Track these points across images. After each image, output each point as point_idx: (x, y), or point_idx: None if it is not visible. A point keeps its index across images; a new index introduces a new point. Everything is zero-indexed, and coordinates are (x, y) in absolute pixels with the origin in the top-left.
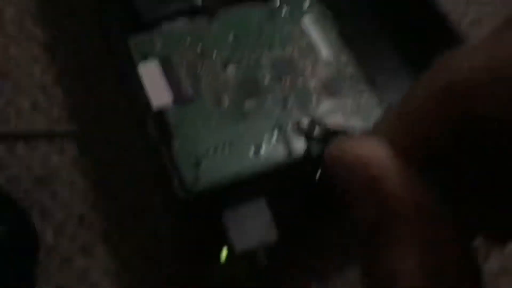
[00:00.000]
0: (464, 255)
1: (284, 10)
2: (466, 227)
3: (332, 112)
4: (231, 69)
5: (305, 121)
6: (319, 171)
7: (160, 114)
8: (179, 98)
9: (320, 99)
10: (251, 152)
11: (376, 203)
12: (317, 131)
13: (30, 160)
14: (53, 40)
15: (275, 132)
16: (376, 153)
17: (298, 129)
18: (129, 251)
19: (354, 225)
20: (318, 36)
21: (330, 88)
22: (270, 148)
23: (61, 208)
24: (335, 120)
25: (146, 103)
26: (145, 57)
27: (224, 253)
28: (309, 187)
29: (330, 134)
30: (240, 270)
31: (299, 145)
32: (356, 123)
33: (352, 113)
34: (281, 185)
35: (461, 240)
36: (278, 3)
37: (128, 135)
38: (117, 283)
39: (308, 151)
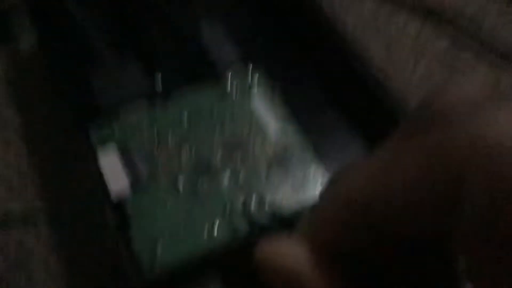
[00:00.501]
0: None
1: (233, 87)
2: None
3: (282, 186)
4: (185, 150)
5: (251, 203)
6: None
7: (119, 204)
8: (137, 185)
9: (270, 174)
10: (205, 232)
11: None
12: (263, 215)
13: (5, 245)
14: (26, 124)
15: (227, 211)
16: (294, 257)
17: (244, 211)
18: None
19: None
20: (266, 112)
21: (279, 162)
22: (223, 227)
23: None
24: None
25: (104, 190)
26: (103, 142)
27: None
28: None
29: (275, 219)
30: None
31: (246, 225)
32: (304, 194)
33: (300, 185)
34: (233, 262)
35: None
36: (227, 81)
37: (98, 213)
38: None
39: (252, 233)
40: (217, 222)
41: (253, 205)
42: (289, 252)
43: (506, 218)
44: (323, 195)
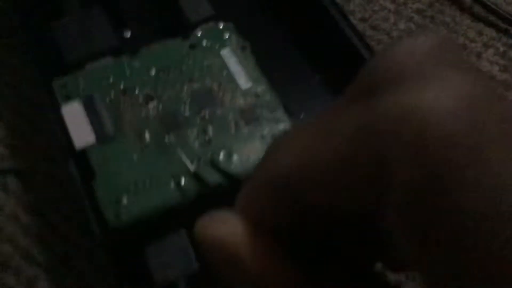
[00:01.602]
0: None
1: (203, 44)
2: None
3: (250, 140)
4: (152, 104)
5: (219, 158)
6: None
7: (82, 154)
8: (102, 137)
9: (239, 128)
10: (172, 185)
11: (242, 281)
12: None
13: None
14: None
15: (194, 164)
16: (234, 232)
17: (212, 166)
18: (73, 285)
19: None
20: (236, 67)
21: (248, 118)
22: (190, 180)
23: (5, 242)
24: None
25: (69, 144)
26: (68, 98)
27: None
28: None
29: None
30: None
31: (216, 178)
32: None
33: (269, 142)
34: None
35: None
36: (198, 37)
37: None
38: None
39: (221, 184)
40: (183, 176)
41: (221, 161)
42: (227, 225)
43: (430, 198)
44: (258, 166)
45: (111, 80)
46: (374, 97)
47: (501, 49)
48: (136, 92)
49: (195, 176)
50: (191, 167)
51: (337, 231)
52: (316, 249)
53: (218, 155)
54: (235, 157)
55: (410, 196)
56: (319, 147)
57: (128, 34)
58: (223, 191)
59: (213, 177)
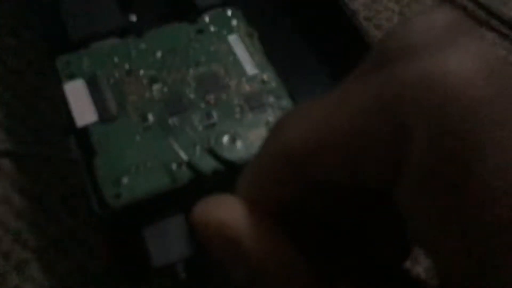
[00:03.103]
0: None
1: (211, 29)
2: (324, 275)
3: (255, 127)
4: (157, 87)
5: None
6: None
7: (83, 131)
8: (104, 116)
9: (244, 114)
10: (173, 168)
11: (242, 266)
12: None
13: None
14: None
15: (197, 148)
16: (235, 216)
17: (211, 152)
18: (65, 268)
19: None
20: (243, 53)
21: (254, 103)
22: (191, 165)
23: None
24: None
25: (70, 122)
26: (71, 76)
27: None
28: None
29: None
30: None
31: (215, 165)
32: None
33: None
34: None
35: (325, 285)
36: (205, 22)
37: (63, 152)
38: None
39: (218, 171)
40: (186, 160)
41: (224, 145)
42: (227, 208)
43: (452, 162)
44: (263, 144)
45: (116, 60)
46: (392, 66)
47: (503, 53)
48: (141, 73)
49: (189, 166)
50: (184, 157)
51: (347, 210)
52: (322, 232)
53: (222, 139)
54: (238, 143)
55: (431, 166)
56: (331, 118)
57: (134, 18)
58: (223, 177)
59: (208, 166)
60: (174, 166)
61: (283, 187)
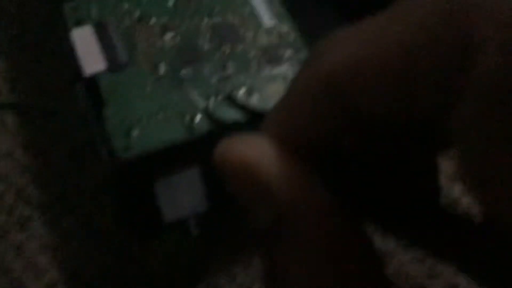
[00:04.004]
0: (362, 241)
1: None
2: (355, 216)
3: (272, 81)
4: (169, 35)
5: (237, 96)
6: None
7: (91, 80)
8: (114, 65)
9: (260, 67)
10: (186, 120)
11: (268, 206)
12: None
13: None
14: None
15: (212, 100)
16: (262, 154)
17: (230, 99)
18: (70, 225)
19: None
20: (260, 3)
21: (271, 56)
22: (205, 117)
23: None
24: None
25: (78, 69)
26: (79, 22)
27: None
28: None
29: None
30: (173, 241)
31: (233, 114)
32: None
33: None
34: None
35: (355, 228)
36: None
37: (70, 106)
38: (56, 257)
39: (239, 121)
40: (199, 112)
41: (239, 99)
42: (253, 146)
43: None
44: (295, 77)
45: (126, 6)
46: None
47: None
48: (153, 21)
49: (206, 114)
50: (202, 104)
51: (383, 147)
52: (354, 172)
53: (237, 92)
54: (255, 96)
55: (499, 90)
56: (383, 38)
57: None
58: (240, 128)
59: (227, 115)
60: (187, 117)
61: (319, 121)
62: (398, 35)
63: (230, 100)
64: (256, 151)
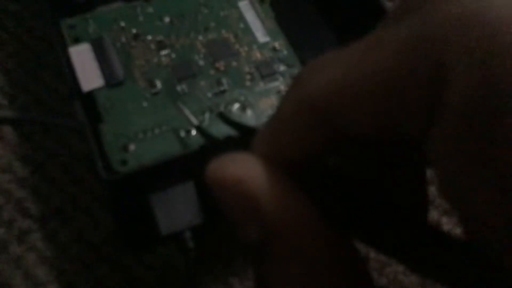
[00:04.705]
0: (350, 257)
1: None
2: (342, 232)
3: (265, 95)
4: (164, 52)
5: (231, 111)
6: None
7: (89, 96)
8: (111, 81)
9: (254, 82)
10: (181, 135)
11: (256, 223)
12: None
13: None
14: None
15: (206, 116)
16: (251, 173)
17: (224, 115)
18: (68, 238)
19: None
20: (254, 20)
21: (264, 72)
22: (200, 132)
23: None
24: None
25: (76, 86)
26: (77, 40)
27: None
28: None
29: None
30: (169, 254)
31: (227, 130)
32: None
33: None
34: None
35: (343, 244)
36: None
37: (67, 121)
38: (53, 270)
39: (231, 136)
40: (194, 128)
41: (234, 114)
42: (244, 165)
43: (492, 97)
44: (284, 97)
45: (122, 24)
46: (429, 6)
47: None
48: (149, 38)
49: (200, 131)
50: (195, 121)
51: (368, 164)
52: (340, 188)
53: (232, 107)
54: (249, 111)
55: (469, 109)
56: (362, 63)
57: None
58: (233, 143)
59: (221, 130)
60: (182, 132)
61: (305, 142)
62: (375, 63)
63: (224, 116)
64: (245, 170)
